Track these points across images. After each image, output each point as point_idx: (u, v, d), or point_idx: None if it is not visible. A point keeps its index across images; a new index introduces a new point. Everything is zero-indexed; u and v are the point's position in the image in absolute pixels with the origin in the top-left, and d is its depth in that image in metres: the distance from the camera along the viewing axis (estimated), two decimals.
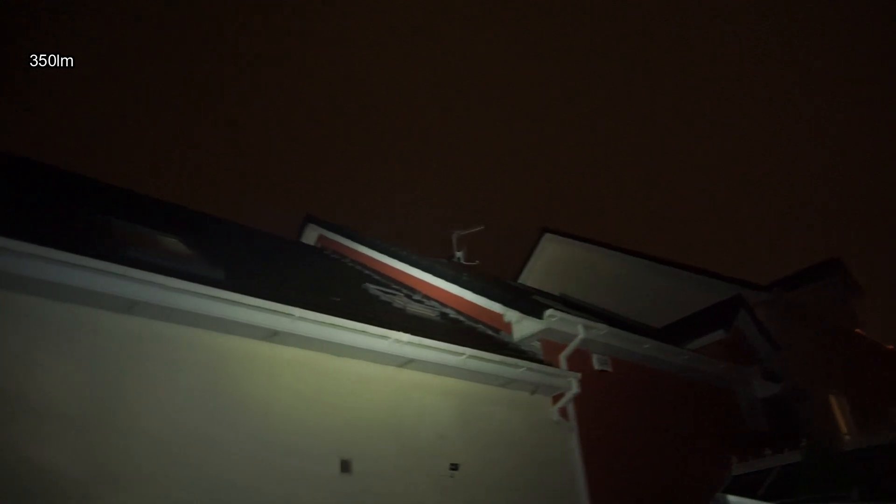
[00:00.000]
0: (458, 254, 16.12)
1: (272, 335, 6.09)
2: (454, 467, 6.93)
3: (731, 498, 8.48)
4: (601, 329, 9.35)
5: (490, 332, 9.50)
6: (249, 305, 5.83)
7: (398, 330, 6.83)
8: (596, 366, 9.41)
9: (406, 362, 7.04)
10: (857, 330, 17.17)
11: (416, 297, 10.66)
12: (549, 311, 8.80)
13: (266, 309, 5.90)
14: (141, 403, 5.25)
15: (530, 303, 9.85)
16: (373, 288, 9.78)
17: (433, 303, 10.65)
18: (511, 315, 9.42)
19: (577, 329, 9.01)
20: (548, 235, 20.25)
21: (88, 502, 4.74)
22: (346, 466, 6.18)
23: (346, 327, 6.44)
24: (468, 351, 7.33)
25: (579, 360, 9.10)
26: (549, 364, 8.61)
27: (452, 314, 10.17)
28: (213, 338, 5.85)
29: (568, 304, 12.84)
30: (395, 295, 9.84)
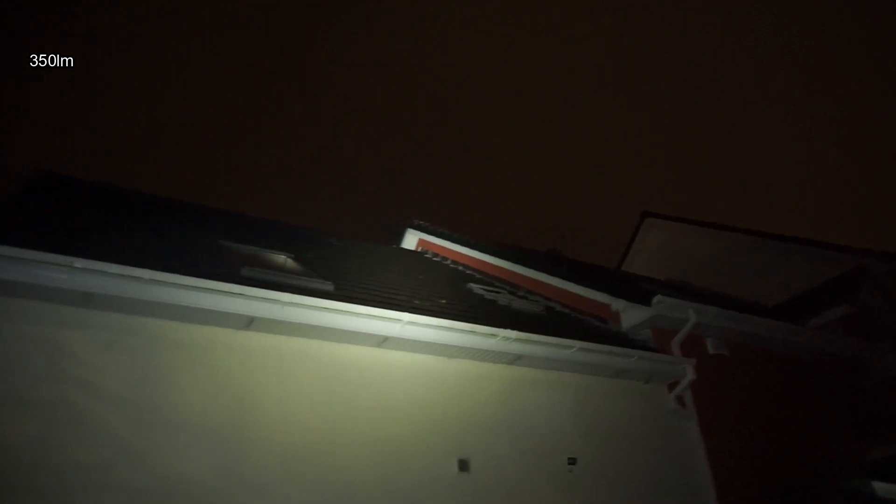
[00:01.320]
0: (559, 246, 15.99)
1: (383, 341, 6.26)
2: (572, 462, 6.88)
3: (876, 484, 7.97)
4: (713, 312, 9.03)
5: (598, 322, 9.37)
6: (360, 314, 6.01)
7: (505, 327, 6.86)
8: (711, 350, 9.09)
9: (515, 359, 7.06)
10: None
11: (520, 293, 10.66)
12: (657, 298, 8.59)
13: (376, 316, 6.07)
14: (264, 414, 5.53)
15: (637, 290, 9.66)
16: (476, 287, 9.86)
17: (537, 298, 10.61)
18: (618, 304, 9.25)
19: (688, 314, 8.74)
20: (649, 220, 19.74)
21: None
22: (464, 466, 6.26)
23: (454, 328, 6.53)
24: (577, 343, 7.27)
25: (693, 346, 8.82)
26: (662, 351, 8.40)
27: (558, 308, 10.11)
28: (328, 347, 6.09)
29: (676, 289, 12.48)
30: (499, 293, 9.88)
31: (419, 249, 14.14)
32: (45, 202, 6.97)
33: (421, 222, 14.24)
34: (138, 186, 10.12)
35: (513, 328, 6.91)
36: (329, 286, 6.47)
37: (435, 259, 13.12)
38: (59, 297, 5.02)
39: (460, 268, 12.33)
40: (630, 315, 9.04)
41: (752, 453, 8.53)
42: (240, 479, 5.19)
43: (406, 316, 6.20)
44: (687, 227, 18.64)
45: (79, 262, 4.93)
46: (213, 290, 5.33)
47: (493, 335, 6.75)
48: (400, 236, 14.41)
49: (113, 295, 5.07)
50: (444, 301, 7.92)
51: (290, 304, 5.64)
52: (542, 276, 10.87)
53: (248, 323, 5.64)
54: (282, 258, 7.40)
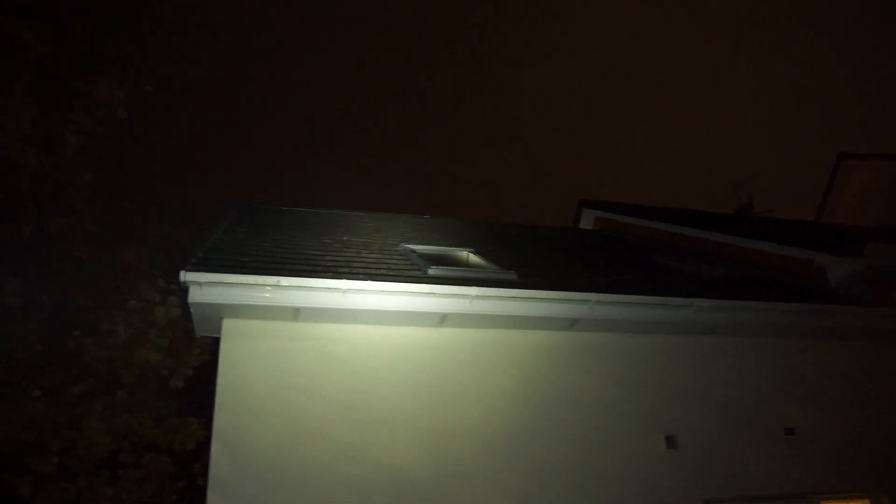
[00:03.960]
0: (747, 205, 14.99)
1: (572, 324, 6.26)
2: (790, 432, 6.46)
3: None
4: None
5: (799, 281, 8.69)
6: (546, 299, 6.06)
7: (698, 296, 6.58)
8: None
9: (712, 328, 6.74)
10: None
11: (710, 259, 10.15)
12: (870, 247, 7.80)
13: (563, 299, 6.08)
14: (464, 405, 5.77)
15: (842, 241, 8.82)
16: (662, 258, 9.53)
17: (729, 262, 10.04)
18: (821, 259, 8.51)
19: None
20: (847, 162, 17.88)
21: (438, 497, 5.34)
22: (671, 442, 6.11)
23: (645, 303, 6.37)
24: (779, 306, 6.79)
25: None
26: (880, 306, 7.61)
27: (753, 270, 9.50)
28: (518, 336, 6.20)
29: (889, 235, 11.23)
30: (686, 262, 9.48)
31: (597, 228, 13.91)
32: (249, 231, 7.71)
33: (596, 200, 13.99)
34: (321, 206, 10.87)
35: (706, 297, 6.61)
36: (513, 275, 6.57)
37: (615, 236, 12.84)
38: (273, 314, 5.57)
39: (642, 241, 11.97)
40: (837, 269, 8.29)
41: None
42: (450, 470, 5.46)
43: (594, 296, 6.14)
44: (893, 164, 16.65)
45: (285, 281, 5.42)
46: (405, 292, 5.64)
47: (687, 306, 6.50)
48: (576, 217, 14.26)
49: (317, 307, 5.52)
50: (630, 276, 7.74)
51: (478, 297, 5.81)
52: (733, 239, 10.26)
53: (441, 320, 5.89)
54: (464, 253, 7.63)
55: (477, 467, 5.54)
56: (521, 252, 8.97)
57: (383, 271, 6.23)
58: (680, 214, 11.63)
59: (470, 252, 7.71)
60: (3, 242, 8.71)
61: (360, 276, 5.69)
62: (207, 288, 5.33)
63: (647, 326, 6.52)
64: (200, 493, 11.81)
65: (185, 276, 5.28)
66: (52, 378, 9.07)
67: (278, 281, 5.39)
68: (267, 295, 5.39)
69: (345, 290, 5.48)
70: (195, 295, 5.33)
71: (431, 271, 6.35)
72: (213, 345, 9.71)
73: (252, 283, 5.37)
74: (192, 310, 5.56)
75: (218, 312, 5.54)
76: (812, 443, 6.55)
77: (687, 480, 6.02)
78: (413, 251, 7.46)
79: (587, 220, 14.07)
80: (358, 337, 5.76)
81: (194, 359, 9.87)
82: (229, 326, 5.58)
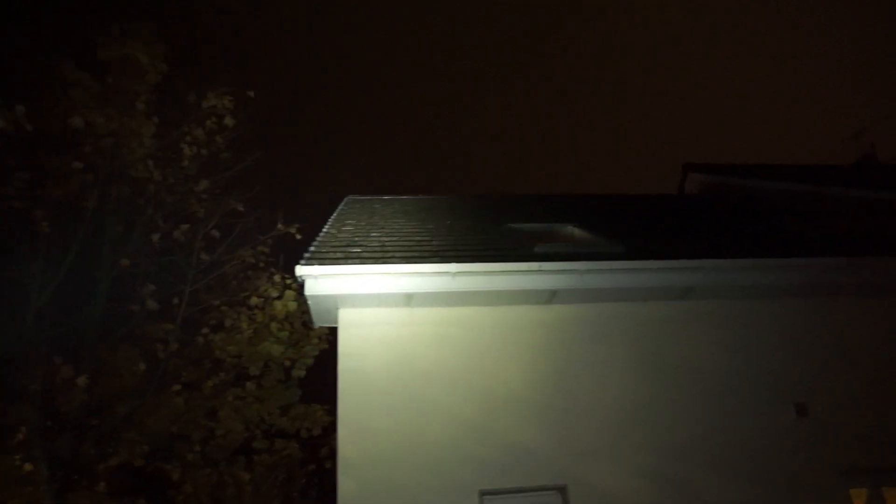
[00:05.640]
0: (870, 153, 13.96)
1: (686, 292, 6.09)
2: None
3: None
4: None
5: None
6: (657, 269, 5.93)
7: (822, 255, 6.23)
8: None
9: (838, 289, 6.36)
10: None
11: (831, 216, 9.55)
12: None
13: (674, 268, 5.93)
14: (582, 380, 5.75)
15: None
16: (777, 219, 9.07)
17: (853, 217, 9.41)
18: None
19: None
20: None
21: (563, 474, 5.36)
22: (802, 410, 5.84)
23: (765, 266, 6.10)
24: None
25: None
26: None
27: (882, 224, 8.87)
28: (630, 308, 6.10)
29: None
30: (804, 221, 8.97)
31: (703, 193, 13.37)
32: (356, 222, 7.95)
33: (702, 163, 13.43)
34: (422, 192, 11.02)
35: (832, 255, 6.26)
36: (621, 247, 6.46)
37: (724, 199, 12.31)
38: (387, 301, 5.74)
39: (755, 202, 11.41)
40: None
41: None
42: (573, 447, 5.47)
43: (708, 262, 5.95)
44: None
45: (395, 268, 5.58)
46: (513, 271, 5.68)
47: (807, 266, 6.18)
48: (681, 182, 13.75)
49: (428, 292, 5.65)
50: (744, 240, 7.43)
51: (587, 271, 5.76)
52: (856, 191, 9.61)
53: (551, 296, 5.88)
54: (569, 228, 7.56)
55: (600, 444, 5.52)
56: (626, 222, 8.78)
57: (490, 252, 6.28)
58: (793, 171, 10.99)
59: (574, 226, 7.62)
60: (136, 252, 9.40)
61: (468, 259, 5.77)
62: (322, 280, 5.56)
63: (766, 290, 6.25)
64: (329, 475, 12.39)
65: (301, 270, 5.53)
66: (189, 374, 9.75)
67: (389, 269, 5.55)
68: (379, 283, 5.56)
69: (454, 273, 5.58)
70: (311, 288, 5.57)
71: (538, 248, 6.34)
72: (331, 334, 10.17)
73: (364, 272, 5.55)
74: (309, 302, 5.83)
75: (334, 303, 5.77)
76: None
77: (821, 450, 5.73)
78: (518, 229, 7.46)
79: (693, 185, 13.54)
80: (470, 318, 5.85)
81: (314, 348, 10.31)
82: (345, 316, 5.80)
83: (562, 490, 5.34)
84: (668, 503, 5.36)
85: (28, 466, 8.97)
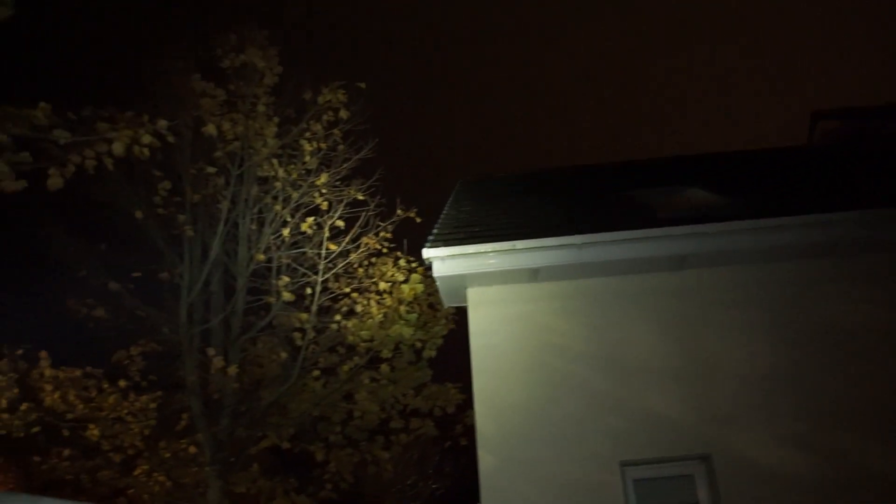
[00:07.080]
0: None
1: (829, 249, 5.74)
2: None
3: None
4: None
5: None
6: (792, 226, 5.62)
7: None
8: None
9: None
10: None
11: None
12: None
13: (815, 224, 5.57)
14: (720, 347, 5.57)
15: None
16: None
17: None
18: None
19: None
20: None
21: (703, 442, 5.25)
22: None
23: None
24: None
25: None
26: None
27: None
28: (767, 269, 5.83)
29: None
30: None
31: (835, 142, 12.48)
32: (476, 202, 8.03)
33: (833, 109, 12.52)
34: (536, 166, 10.93)
35: None
36: (752, 206, 6.18)
37: (861, 146, 11.45)
38: (513, 277, 5.80)
39: None
40: None
41: None
42: (713, 414, 5.33)
43: (853, 214, 5.55)
44: None
45: (520, 244, 5.61)
46: (640, 238, 5.57)
47: None
48: (810, 132, 12.89)
49: (555, 265, 5.65)
50: (891, 188, 6.90)
51: (719, 233, 5.56)
52: None
53: (681, 262, 5.73)
54: (693, 190, 7.30)
55: (741, 410, 5.34)
56: (752, 179, 8.37)
57: (614, 220, 6.19)
58: None
59: (698, 188, 7.36)
60: (269, 247, 9.97)
61: (593, 229, 5.71)
62: (449, 261, 5.68)
63: None
64: (463, 452, 12.66)
65: (428, 252, 5.68)
66: (326, 359, 10.25)
67: (514, 245, 5.60)
68: (505, 259, 5.62)
69: (580, 245, 5.55)
70: (439, 269, 5.71)
71: (661, 214, 6.18)
72: (457, 314, 10.37)
73: (489, 250, 5.63)
74: (438, 283, 5.98)
75: (462, 283, 5.89)
76: None
77: None
78: (638, 196, 7.29)
79: (823, 135, 12.66)
80: (599, 289, 5.81)
81: (442, 329, 10.56)
82: (474, 295, 5.92)
83: (706, 459, 5.23)
84: (821, 473, 5.11)
85: (192, 449, 9.82)
